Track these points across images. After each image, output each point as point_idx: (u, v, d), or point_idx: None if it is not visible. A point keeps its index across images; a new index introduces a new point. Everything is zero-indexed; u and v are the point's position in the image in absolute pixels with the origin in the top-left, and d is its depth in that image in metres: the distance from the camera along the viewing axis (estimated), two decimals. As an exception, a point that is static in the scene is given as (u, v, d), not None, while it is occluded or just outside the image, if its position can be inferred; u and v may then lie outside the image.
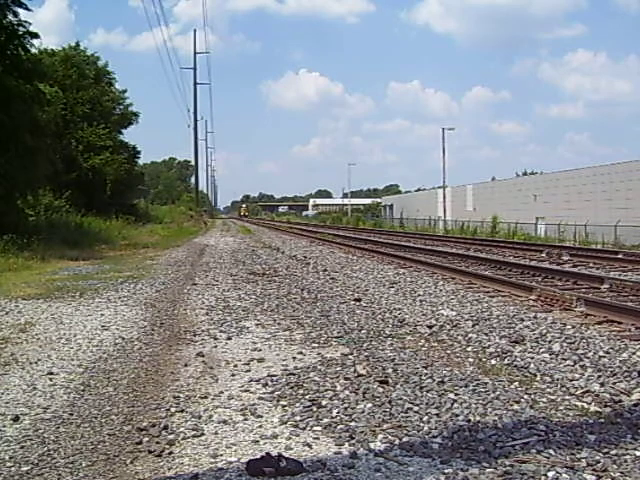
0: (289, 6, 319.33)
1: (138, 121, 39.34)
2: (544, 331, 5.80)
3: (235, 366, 4.87)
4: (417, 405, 3.77)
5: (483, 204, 42.65)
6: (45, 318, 7.05)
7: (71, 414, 3.77)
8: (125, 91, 38.64)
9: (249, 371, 4.72)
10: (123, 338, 5.99)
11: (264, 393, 4.13)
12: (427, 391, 4.04)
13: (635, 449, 3.10)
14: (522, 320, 6.39)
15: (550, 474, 2.81)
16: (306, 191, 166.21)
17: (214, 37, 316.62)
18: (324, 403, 3.85)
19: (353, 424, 3.49)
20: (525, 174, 60.66)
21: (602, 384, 4.20)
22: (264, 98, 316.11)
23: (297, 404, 3.86)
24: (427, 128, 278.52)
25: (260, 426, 3.52)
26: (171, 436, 3.37)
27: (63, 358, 5.20)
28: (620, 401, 3.89)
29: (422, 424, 3.48)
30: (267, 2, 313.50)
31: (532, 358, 4.92)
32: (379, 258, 14.92)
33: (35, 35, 18.83)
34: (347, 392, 4.06)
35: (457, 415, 3.59)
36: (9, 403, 3.99)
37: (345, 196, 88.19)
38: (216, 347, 5.58)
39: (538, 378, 4.43)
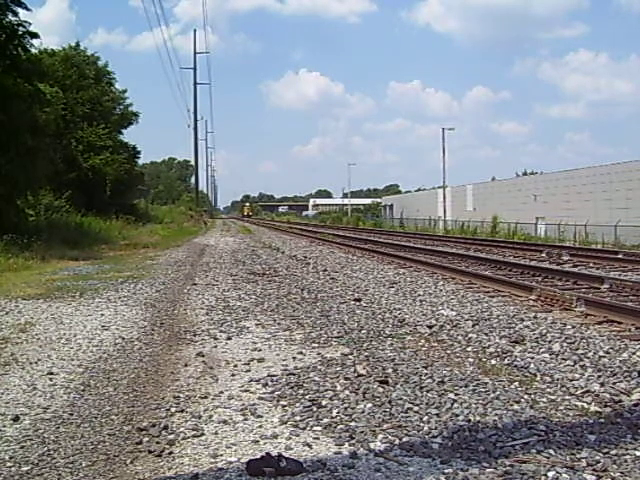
0: (290, 6, 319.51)
1: (138, 121, 39.38)
2: (544, 331, 5.80)
3: (235, 366, 4.87)
4: (417, 405, 3.77)
5: (483, 204, 42.65)
6: (45, 318, 7.05)
7: (71, 414, 3.77)
8: (125, 91, 38.67)
9: (249, 371, 4.72)
10: (123, 338, 5.99)
11: (264, 393, 4.13)
12: (427, 391, 4.04)
13: (635, 449, 3.10)
14: (522, 320, 6.39)
15: (550, 474, 2.81)
16: (306, 191, 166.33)
17: (214, 37, 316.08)
18: (324, 403, 3.85)
19: (353, 424, 3.49)
20: (525, 174, 60.60)
21: (602, 384, 4.20)
22: (264, 98, 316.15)
23: (297, 404, 3.86)
24: (427, 128, 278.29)
25: (260, 426, 3.52)
26: (171, 436, 3.37)
27: (63, 358, 5.20)
28: (620, 401, 3.89)
29: (422, 424, 3.48)
30: (268, 2, 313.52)
31: (532, 358, 4.93)
32: (379, 258, 14.92)
33: (35, 35, 18.86)
34: (347, 392, 4.06)
35: (457, 415, 3.59)
36: (9, 403, 3.99)
37: (345, 196, 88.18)
38: (216, 347, 5.58)
39: (538, 378, 4.43)
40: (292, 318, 6.88)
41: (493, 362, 4.90)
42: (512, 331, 5.88)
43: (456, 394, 3.97)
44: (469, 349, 5.33)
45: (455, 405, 3.76)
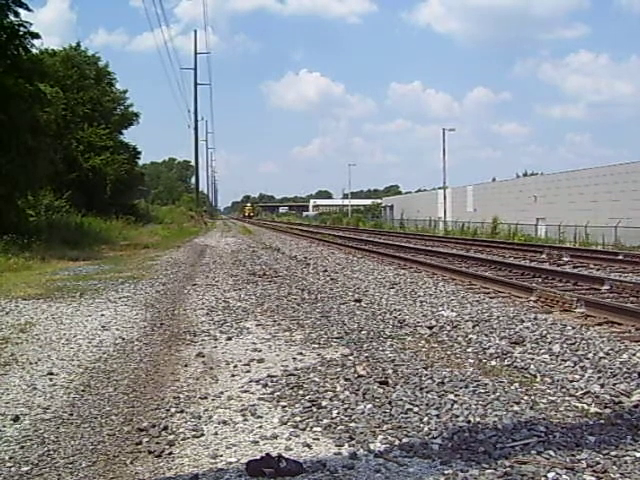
0: (290, 6, 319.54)
1: (138, 121, 39.44)
2: (544, 332, 5.79)
3: (235, 367, 4.87)
4: (417, 406, 3.77)
5: (483, 205, 42.64)
6: (45, 318, 7.05)
7: (71, 414, 3.77)
8: (126, 91, 38.75)
9: (249, 372, 4.72)
10: (123, 338, 5.99)
11: (264, 394, 4.13)
12: (427, 392, 4.04)
13: (635, 450, 3.10)
14: (522, 321, 6.39)
15: (550, 475, 2.80)
16: (306, 192, 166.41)
17: (215, 37, 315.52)
18: (324, 404, 3.85)
19: (353, 425, 3.49)
20: (526, 175, 60.56)
21: (602, 385, 4.20)
22: (265, 98, 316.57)
23: (297, 405, 3.86)
24: (428, 129, 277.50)
25: (260, 427, 3.51)
26: (171, 436, 3.37)
27: (63, 358, 5.20)
28: (620, 402, 3.89)
29: (422, 425, 3.48)
30: (268, 2, 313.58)
31: (532, 359, 4.92)
32: (379, 259, 14.92)
33: (36, 35, 18.89)
34: (347, 393, 4.06)
35: (457, 416, 3.59)
36: (9, 403, 3.99)
37: (345, 197, 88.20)
38: (216, 347, 5.58)
39: (538, 379, 4.43)
40: (292, 319, 6.88)
41: (493, 363, 4.90)
42: (512, 332, 5.88)
43: (456, 395, 3.97)
44: (469, 350, 5.33)
45: (455, 406, 3.76)
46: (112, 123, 34.60)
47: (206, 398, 4.05)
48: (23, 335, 6.13)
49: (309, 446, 3.21)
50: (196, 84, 54.89)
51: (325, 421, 3.56)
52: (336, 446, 3.21)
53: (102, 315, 7.29)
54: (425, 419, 3.56)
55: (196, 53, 55.51)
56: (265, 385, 4.31)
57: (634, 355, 4.89)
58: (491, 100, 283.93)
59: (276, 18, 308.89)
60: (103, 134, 32.13)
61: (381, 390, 4.10)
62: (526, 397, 3.96)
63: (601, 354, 4.96)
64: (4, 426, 3.56)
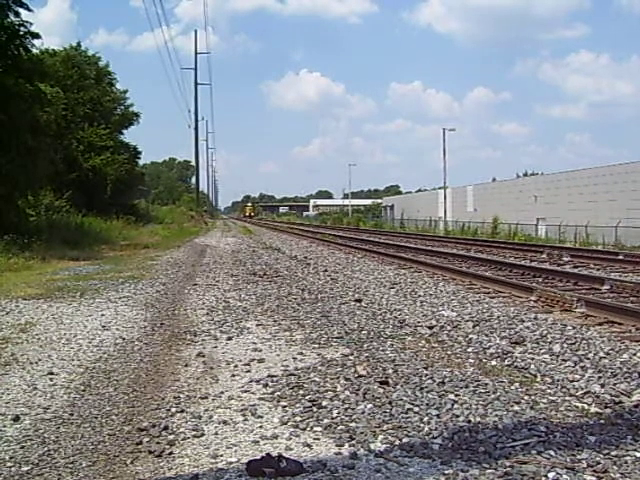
0: (290, 6, 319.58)
1: (139, 121, 39.42)
2: (544, 332, 5.80)
3: (235, 366, 4.87)
4: (417, 406, 3.77)
5: (484, 205, 42.64)
6: (45, 318, 7.05)
7: (71, 414, 3.77)
8: (126, 91, 38.68)
9: (249, 371, 4.72)
10: (124, 338, 5.99)
11: (264, 394, 4.13)
12: (427, 392, 4.04)
13: (635, 450, 3.09)
14: (522, 321, 6.39)
15: (550, 475, 2.80)
16: (307, 192, 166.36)
17: (215, 37, 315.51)
18: (324, 404, 3.85)
19: (353, 425, 3.48)
20: (526, 175, 60.51)
21: (602, 385, 4.20)
22: (265, 98, 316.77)
23: (297, 405, 3.86)
24: (428, 129, 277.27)
25: (260, 426, 3.52)
26: (171, 436, 3.37)
27: (63, 358, 5.20)
28: (620, 402, 3.89)
29: (422, 425, 3.47)
30: (268, 2, 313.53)
31: (532, 359, 4.92)
32: (380, 259, 14.91)
33: (36, 35, 18.87)
34: (347, 393, 4.06)
35: (457, 416, 3.59)
36: (9, 403, 3.99)
37: (346, 197, 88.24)
38: (216, 347, 5.58)
39: (538, 379, 4.43)
40: (292, 319, 6.88)
41: (493, 363, 4.90)
42: (512, 332, 5.88)
43: (456, 395, 3.97)
44: (469, 350, 5.33)
45: (455, 406, 3.76)
46: (112, 123, 34.58)
47: (206, 398, 4.05)
48: (23, 335, 6.13)
49: (309, 446, 3.22)
50: (196, 84, 54.97)
51: (325, 421, 3.56)
52: (336, 446, 3.21)
53: (102, 315, 7.29)
54: (425, 419, 3.56)
55: (196, 53, 55.62)
56: (265, 385, 4.31)
57: (634, 355, 4.89)
58: (491, 100, 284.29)
59: (276, 18, 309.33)
60: (103, 134, 32.11)
61: (381, 390, 4.10)
62: (526, 397, 3.96)
63: (601, 354, 4.96)
64: (4, 426, 3.56)
